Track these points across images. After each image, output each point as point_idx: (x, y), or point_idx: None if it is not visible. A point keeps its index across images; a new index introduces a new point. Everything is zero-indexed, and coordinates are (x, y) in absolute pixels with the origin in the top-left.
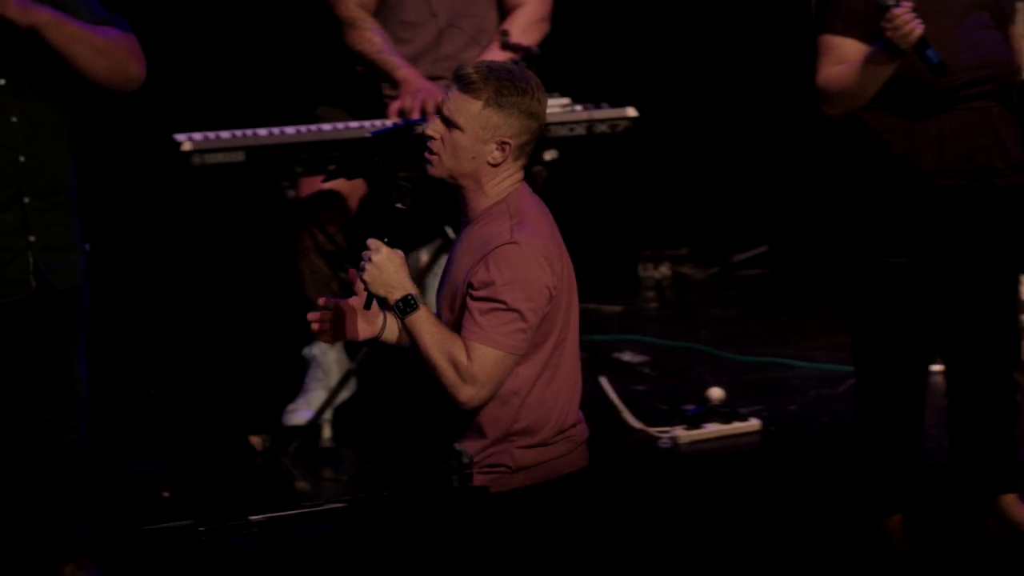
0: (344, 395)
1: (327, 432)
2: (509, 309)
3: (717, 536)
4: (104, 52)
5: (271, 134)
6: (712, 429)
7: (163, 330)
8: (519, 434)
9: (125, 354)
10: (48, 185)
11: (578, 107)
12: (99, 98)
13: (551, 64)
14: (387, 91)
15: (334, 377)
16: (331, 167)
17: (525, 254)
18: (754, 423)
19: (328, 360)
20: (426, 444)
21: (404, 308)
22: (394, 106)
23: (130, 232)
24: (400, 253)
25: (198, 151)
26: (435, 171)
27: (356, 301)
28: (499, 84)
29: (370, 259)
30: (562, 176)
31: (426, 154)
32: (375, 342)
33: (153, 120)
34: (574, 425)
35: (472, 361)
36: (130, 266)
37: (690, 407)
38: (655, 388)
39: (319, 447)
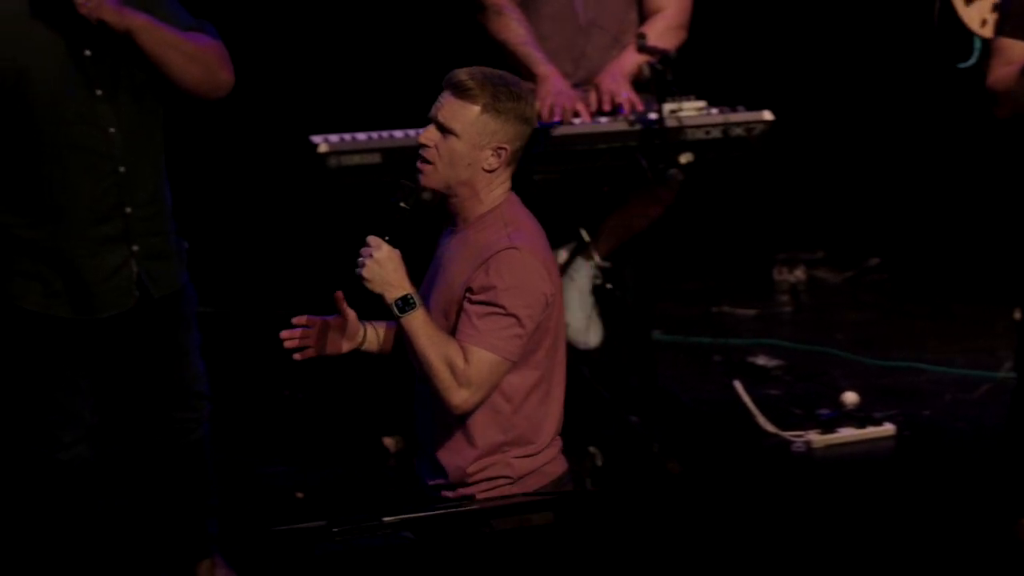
0: None
1: None
2: (507, 314)
3: (850, 540)
4: (196, 58)
5: (407, 136)
6: (846, 434)
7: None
8: (513, 444)
9: (259, 355)
10: (147, 194)
11: (714, 110)
12: (234, 101)
13: (687, 67)
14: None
15: None
16: None
17: (525, 260)
18: (888, 428)
19: None
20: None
21: (403, 306)
22: None
23: (266, 233)
24: (398, 252)
25: (334, 153)
26: (429, 180)
27: (336, 320)
28: (495, 89)
29: (371, 255)
30: (697, 179)
31: (419, 163)
32: (356, 351)
33: (290, 122)
34: (560, 430)
35: (469, 364)
36: (266, 267)
37: (824, 411)
38: (789, 392)
39: None
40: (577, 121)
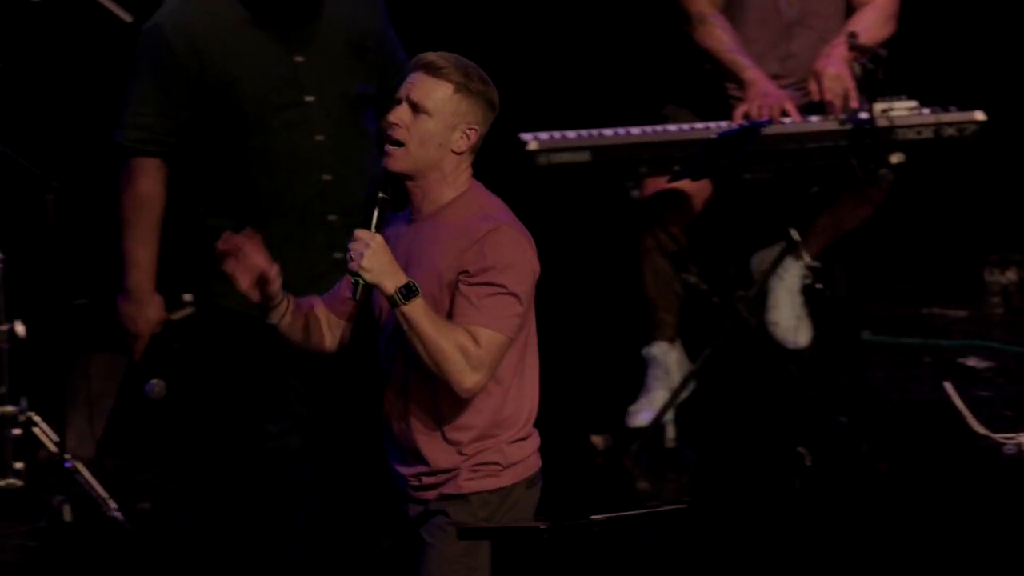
0: (685, 395)
1: (670, 433)
2: (508, 292)
3: None
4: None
5: (616, 134)
6: None
7: None
8: (503, 426)
9: None
10: (353, 204)
11: (925, 110)
12: None
13: (899, 66)
14: (732, 91)
15: (676, 377)
16: (676, 168)
17: (517, 238)
18: None
19: (669, 360)
20: (767, 445)
21: (407, 294)
22: (740, 109)
23: None
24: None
25: (544, 151)
26: (398, 162)
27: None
28: (466, 70)
29: (367, 245)
30: (908, 179)
31: (387, 145)
32: (274, 328)
33: (500, 119)
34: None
35: (480, 346)
36: None
37: None
38: (1000, 394)
39: (661, 447)
40: (787, 121)
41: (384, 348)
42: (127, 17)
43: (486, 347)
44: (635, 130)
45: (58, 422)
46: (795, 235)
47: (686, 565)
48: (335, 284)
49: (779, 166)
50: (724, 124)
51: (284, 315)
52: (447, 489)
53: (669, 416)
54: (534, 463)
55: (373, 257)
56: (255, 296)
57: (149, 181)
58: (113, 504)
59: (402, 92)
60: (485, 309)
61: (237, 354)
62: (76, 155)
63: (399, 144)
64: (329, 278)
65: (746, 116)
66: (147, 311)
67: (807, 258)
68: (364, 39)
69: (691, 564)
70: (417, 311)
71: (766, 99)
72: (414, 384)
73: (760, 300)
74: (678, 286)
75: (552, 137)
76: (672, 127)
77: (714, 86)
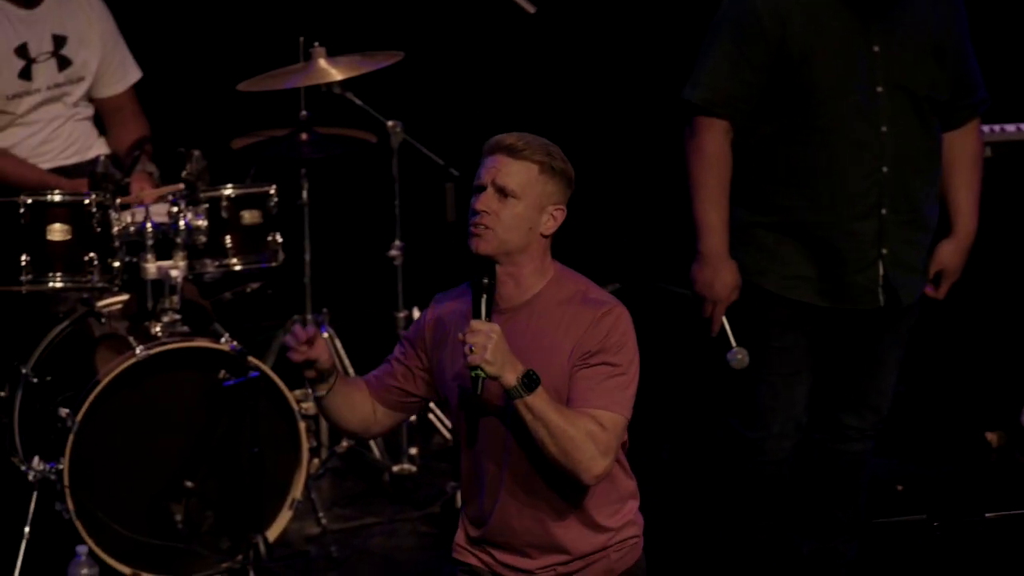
0: None
1: None
2: (624, 372)
3: None
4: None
5: (1019, 130)
6: None
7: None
8: (631, 496)
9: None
10: (907, 200)
11: None
12: None
13: None
14: None
15: None
16: None
17: (626, 318)
18: None
19: None
20: None
21: (528, 384)
22: None
23: None
24: None
25: None
26: (486, 246)
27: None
28: (548, 149)
29: (489, 337)
30: None
31: (472, 229)
32: (319, 400)
33: None
34: None
35: (606, 430)
36: None
37: None
38: None
39: None
40: None
41: (479, 448)
42: (531, 8)
43: (611, 430)
44: None
45: None
46: None
47: None
48: (879, 276)
49: None
50: None
51: (331, 388)
52: (594, 573)
53: None
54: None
55: (496, 349)
56: (310, 374)
57: (717, 142)
58: None
59: (485, 177)
60: (606, 391)
61: (767, 336)
62: (476, 144)
63: (488, 228)
64: (874, 270)
65: None
66: (724, 275)
67: None
68: (944, 42)
69: None
70: (542, 401)
71: None
72: (532, 477)
73: None
74: None
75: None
76: None
77: None
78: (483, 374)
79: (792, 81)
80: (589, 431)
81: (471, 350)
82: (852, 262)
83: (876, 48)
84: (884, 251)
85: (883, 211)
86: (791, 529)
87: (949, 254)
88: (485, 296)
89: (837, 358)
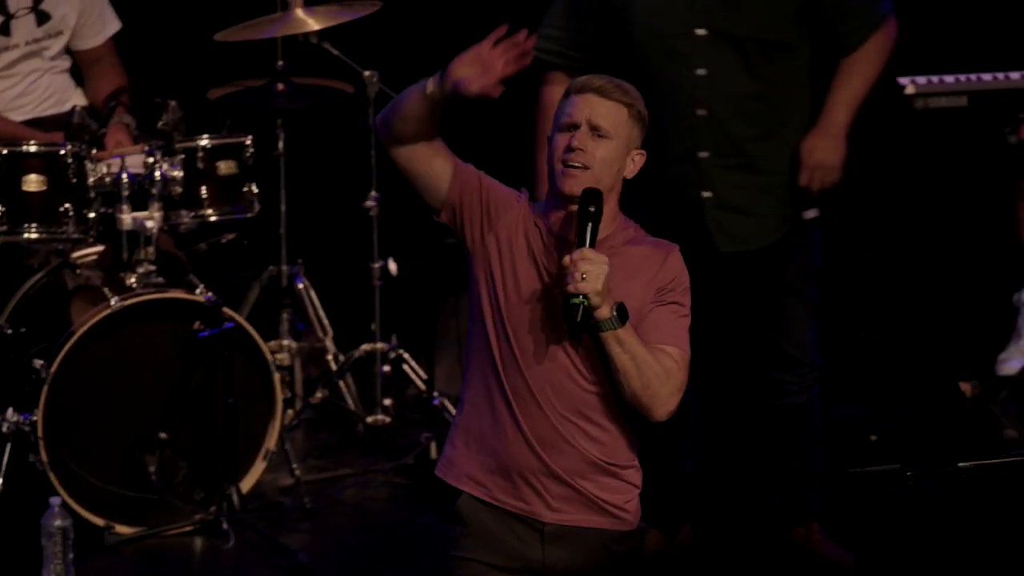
0: None
1: None
2: (687, 312)
3: None
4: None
5: (995, 79)
6: None
7: (879, 272)
8: (635, 456)
9: (837, 297)
10: (729, 144)
11: None
12: None
13: None
14: None
15: None
16: None
17: (683, 260)
18: None
19: None
20: None
21: (622, 316)
22: None
23: (850, 174)
24: None
25: (921, 95)
26: (584, 182)
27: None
28: (635, 95)
29: (596, 264)
30: None
31: (569, 169)
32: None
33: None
34: None
35: (680, 367)
36: (849, 209)
37: None
38: None
39: None
40: None
41: (518, 371)
42: None
43: (684, 368)
44: (1015, 75)
45: (427, 360)
46: None
47: None
48: (705, 221)
49: None
50: None
51: (439, 100)
52: (604, 523)
53: None
54: None
55: (597, 275)
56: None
57: (553, 93)
58: None
59: (577, 116)
60: (677, 329)
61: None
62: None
63: (584, 168)
64: (697, 215)
65: None
66: None
67: None
68: None
69: None
70: (630, 334)
71: None
72: (574, 411)
73: None
74: None
75: (930, 81)
76: None
77: None
78: (587, 302)
79: (617, 28)
80: (667, 367)
81: (583, 277)
82: (676, 206)
83: None
84: (706, 194)
85: (700, 154)
86: (756, 484)
87: (807, 145)
88: (591, 224)
89: (738, 314)
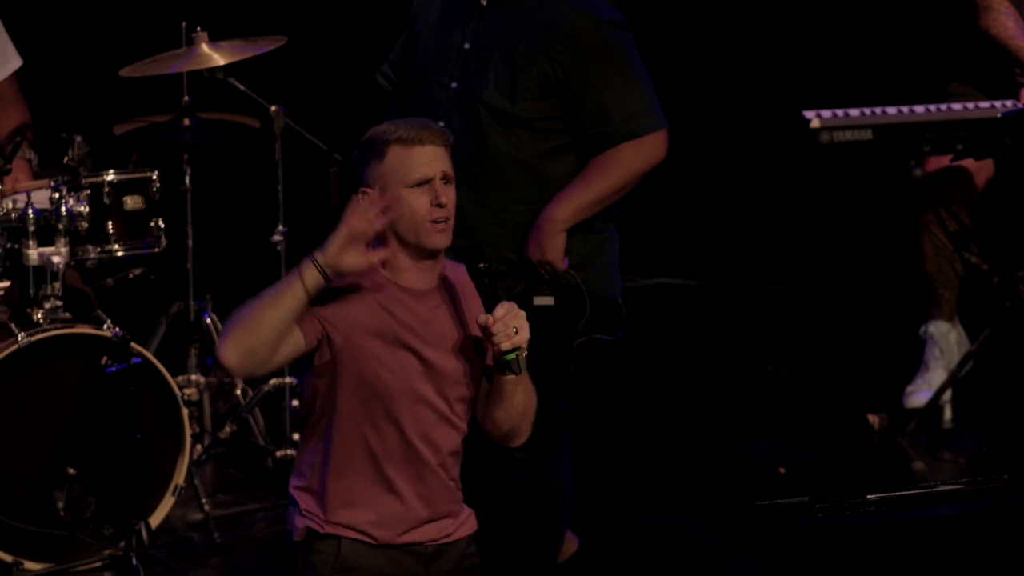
0: (963, 374)
1: (947, 414)
2: None
3: None
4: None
5: (900, 112)
6: None
7: (785, 306)
8: None
9: (746, 330)
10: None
11: None
12: (729, 76)
13: None
14: (1019, 76)
15: (954, 357)
16: (959, 147)
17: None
18: None
19: (948, 340)
20: None
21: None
22: None
23: (756, 208)
24: None
25: (827, 128)
26: (449, 232)
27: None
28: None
29: (519, 317)
30: None
31: (441, 224)
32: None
33: (783, 97)
34: None
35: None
36: (757, 242)
37: None
38: None
39: (938, 428)
40: None
41: (398, 428)
42: None
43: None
44: (919, 108)
45: None
46: None
47: (962, 547)
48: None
49: None
50: (1010, 103)
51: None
52: (463, 532)
53: (947, 397)
54: None
55: (527, 325)
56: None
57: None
58: None
59: (429, 170)
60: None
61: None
62: (359, 130)
63: (447, 220)
64: None
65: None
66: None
67: None
68: (519, 57)
69: (967, 546)
70: (525, 378)
71: None
72: (431, 444)
73: None
74: (959, 266)
75: (835, 115)
76: (956, 106)
77: (1003, 66)
78: (523, 353)
79: (407, 64)
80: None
81: (516, 331)
82: None
83: (467, 46)
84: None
85: None
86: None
87: (529, 239)
88: (493, 282)
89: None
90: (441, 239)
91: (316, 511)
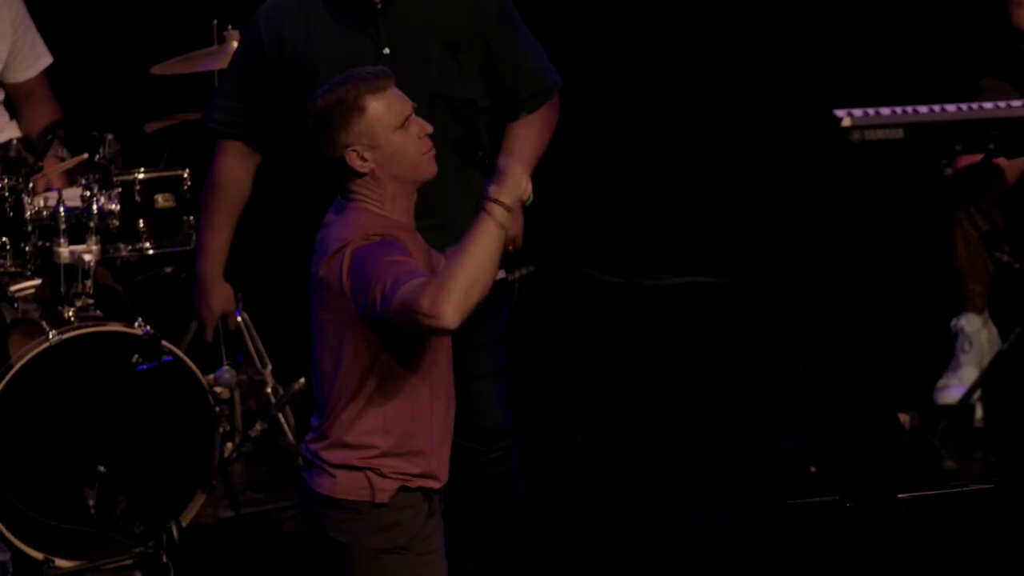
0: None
1: (979, 412)
2: None
3: None
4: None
5: (931, 111)
6: None
7: (818, 304)
8: None
9: (776, 328)
10: (424, 204)
11: None
12: (759, 75)
13: None
14: None
15: (986, 353)
16: (991, 145)
17: None
18: None
19: (980, 336)
20: None
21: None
22: None
23: (788, 207)
24: None
25: (858, 127)
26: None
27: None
28: None
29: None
30: None
31: (430, 152)
32: None
33: (814, 96)
34: None
35: None
36: (789, 241)
37: None
38: None
39: (970, 427)
40: None
41: (430, 378)
42: None
43: None
44: (950, 107)
45: None
46: None
47: (992, 545)
48: None
49: None
50: None
51: None
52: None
53: (978, 394)
54: None
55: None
56: None
57: (228, 164)
58: None
59: (404, 108)
60: None
61: None
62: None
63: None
64: None
65: None
66: (212, 298)
67: None
68: (456, 39)
69: (997, 544)
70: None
71: None
72: (448, 381)
73: None
74: (989, 264)
75: (866, 114)
76: (988, 104)
77: None
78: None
79: (301, 95)
80: None
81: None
82: None
83: (386, 51)
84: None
85: None
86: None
87: None
88: (488, 161)
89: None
90: (434, 165)
91: (402, 467)
